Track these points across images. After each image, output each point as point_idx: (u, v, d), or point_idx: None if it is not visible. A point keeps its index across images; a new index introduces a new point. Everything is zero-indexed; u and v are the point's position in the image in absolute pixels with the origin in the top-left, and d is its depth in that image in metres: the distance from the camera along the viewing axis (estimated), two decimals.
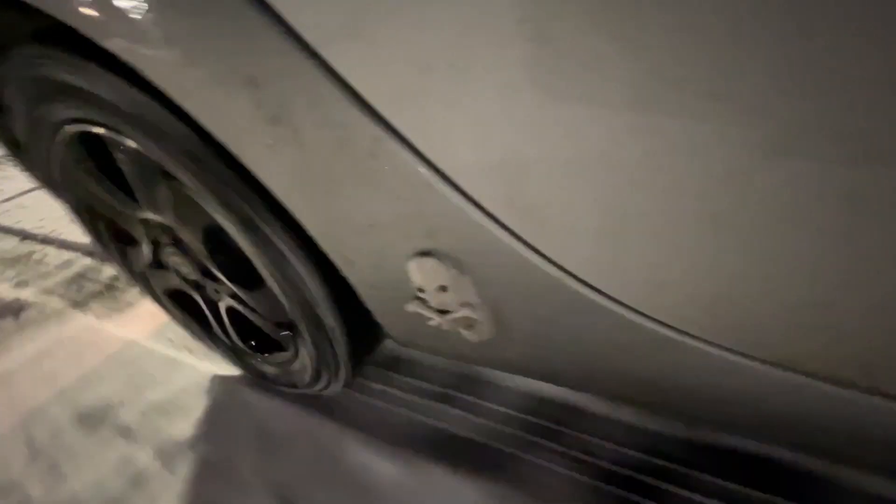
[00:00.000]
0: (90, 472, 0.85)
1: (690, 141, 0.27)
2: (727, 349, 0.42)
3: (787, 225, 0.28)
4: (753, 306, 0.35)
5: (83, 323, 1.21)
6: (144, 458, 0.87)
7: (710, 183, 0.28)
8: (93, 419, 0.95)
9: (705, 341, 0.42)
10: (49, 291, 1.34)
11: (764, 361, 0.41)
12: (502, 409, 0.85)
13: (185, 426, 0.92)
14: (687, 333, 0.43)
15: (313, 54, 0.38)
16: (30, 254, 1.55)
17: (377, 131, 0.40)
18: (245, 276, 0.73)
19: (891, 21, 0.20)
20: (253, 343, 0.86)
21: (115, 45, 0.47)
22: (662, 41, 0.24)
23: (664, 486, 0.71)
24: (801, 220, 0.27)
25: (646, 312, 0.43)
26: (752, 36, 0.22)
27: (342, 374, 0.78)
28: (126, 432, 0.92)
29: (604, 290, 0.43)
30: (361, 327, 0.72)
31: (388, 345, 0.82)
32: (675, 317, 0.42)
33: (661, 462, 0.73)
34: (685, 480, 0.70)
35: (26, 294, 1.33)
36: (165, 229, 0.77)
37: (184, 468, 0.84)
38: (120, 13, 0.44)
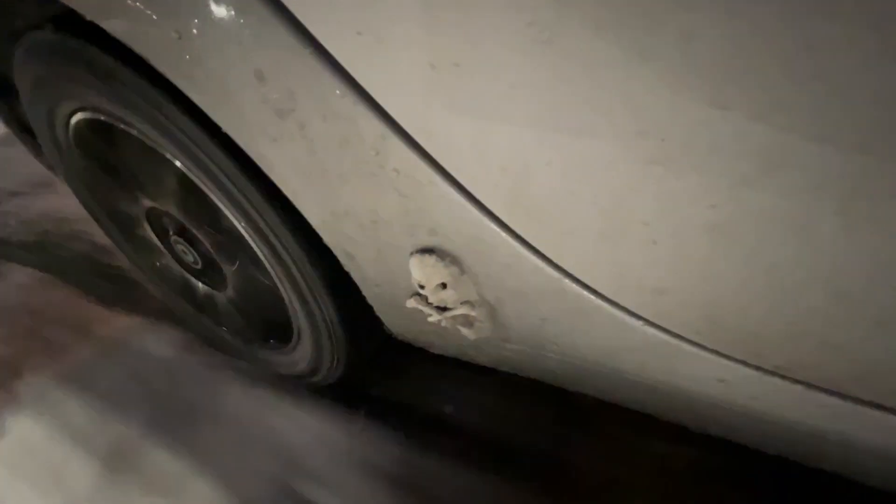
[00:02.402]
0: None
1: (690, 149, 0.27)
2: (725, 356, 0.42)
3: (784, 235, 0.28)
4: (751, 314, 0.35)
5: None
6: None
7: (708, 191, 0.28)
8: None
9: (702, 347, 0.43)
10: None
11: (760, 369, 0.41)
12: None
13: None
14: (684, 338, 0.43)
15: (320, 49, 0.38)
16: None
17: (382, 128, 0.41)
18: (247, 266, 0.73)
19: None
20: (253, 332, 0.87)
21: (124, 34, 0.47)
22: (665, 46, 0.24)
23: None
24: (797, 230, 0.27)
25: (643, 316, 0.43)
26: (751, 47, 0.22)
27: (341, 365, 0.79)
28: None
29: (602, 292, 0.43)
30: (362, 321, 0.72)
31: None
32: (672, 321, 0.42)
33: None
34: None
35: None
36: (170, 218, 0.77)
37: None
38: (127, 3, 0.44)
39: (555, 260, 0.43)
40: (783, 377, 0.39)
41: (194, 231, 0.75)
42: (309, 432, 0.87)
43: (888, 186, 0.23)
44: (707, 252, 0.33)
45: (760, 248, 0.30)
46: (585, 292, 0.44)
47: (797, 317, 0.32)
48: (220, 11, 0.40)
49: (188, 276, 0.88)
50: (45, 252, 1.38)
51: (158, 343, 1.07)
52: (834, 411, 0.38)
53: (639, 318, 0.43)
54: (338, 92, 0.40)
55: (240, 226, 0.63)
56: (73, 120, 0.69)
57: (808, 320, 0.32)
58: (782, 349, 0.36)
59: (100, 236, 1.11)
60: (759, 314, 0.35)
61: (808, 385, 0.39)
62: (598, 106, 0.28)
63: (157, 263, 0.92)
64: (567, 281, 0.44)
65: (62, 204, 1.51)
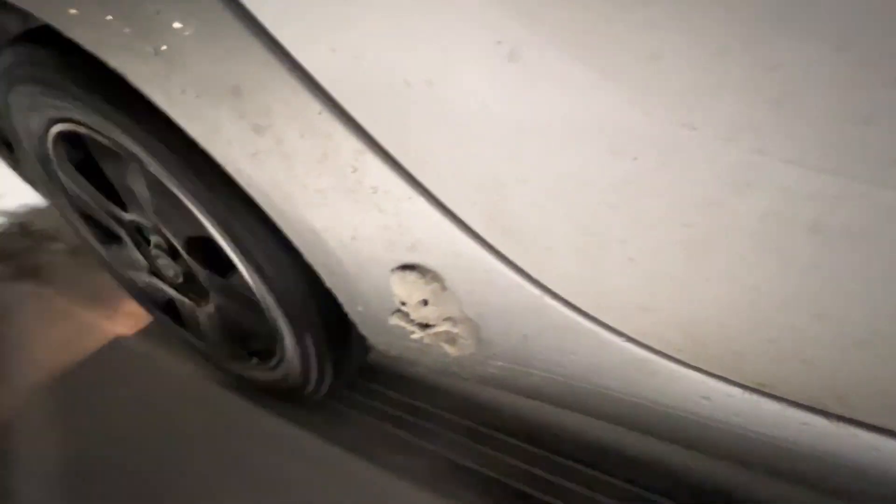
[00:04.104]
0: None
1: (662, 168, 0.27)
2: (707, 373, 0.42)
3: (759, 254, 0.28)
4: (730, 332, 0.35)
5: None
6: None
7: (682, 210, 0.28)
8: None
9: (685, 364, 0.42)
10: None
11: (743, 386, 0.40)
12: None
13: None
14: (666, 355, 0.42)
15: (295, 65, 0.38)
16: None
17: (359, 144, 0.40)
18: (229, 280, 0.72)
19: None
20: (235, 348, 0.85)
21: (100, 49, 0.47)
22: (633, 67, 0.24)
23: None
24: (771, 249, 0.27)
25: (625, 333, 0.43)
26: (718, 68, 0.22)
27: (326, 382, 0.78)
28: None
29: (583, 309, 0.43)
30: (346, 337, 0.71)
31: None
32: (653, 338, 0.42)
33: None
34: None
35: None
36: (151, 232, 0.76)
37: None
38: (103, 19, 0.44)
39: (535, 276, 0.43)
40: (765, 394, 0.39)
41: (175, 245, 0.73)
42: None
43: (858, 206, 0.23)
44: (684, 270, 0.32)
45: (736, 267, 0.29)
46: (566, 309, 0.43)
47: (776, 335, 0.32)
48: (193, 28, 0.40)
49: (170, 289, 0.86)
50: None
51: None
52: (816, 429, 0.38)
53: (620, 334, 0.43)
54: (314, 108, 0.39)
55: (221, 239, 0.62)
56: (52, 132, 0.68)
57: (787, 338, 0.32)
58: (763, 367, 0.36)
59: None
60: (738, 332, 0.34)
61: (790, 402, 0.38)
62: (570, 125, 0.28)
63: (138, 276, 0.90)
64: (548, 298, 0.43)
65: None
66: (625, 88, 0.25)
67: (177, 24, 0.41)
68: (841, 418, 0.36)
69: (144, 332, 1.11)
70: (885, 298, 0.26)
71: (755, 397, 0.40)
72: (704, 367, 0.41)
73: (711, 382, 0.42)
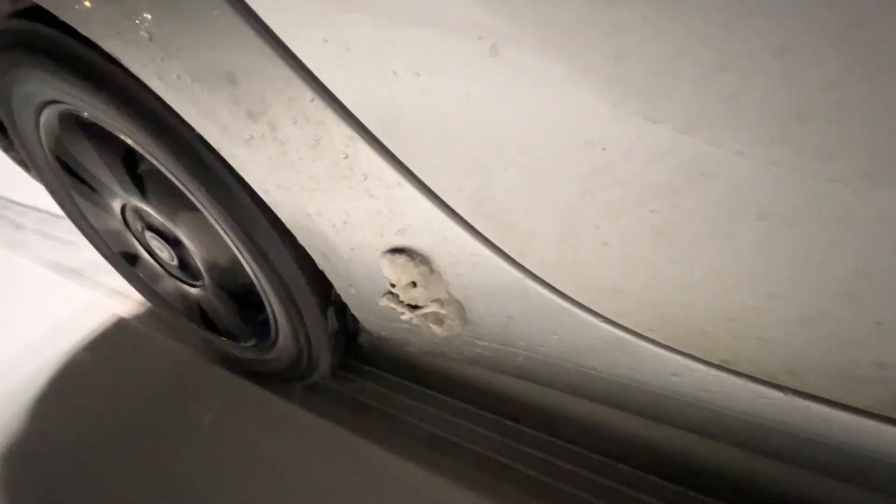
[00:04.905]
0: None
1: (629, 158, 0.29)
2: (676, 351, 0.45)
3: (716, 239, 0.30)
4: (696, 312, 0.38)
5: None
6: None
7: (648, 197, 0.30)
8: None
9: (656, 343, 0.45)
10: None
11: (708, 363, 0.43)
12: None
13: None
14: (640, 335, 0.45)
15: (289, 54, 0.39)
16: None
17: (351, 132, 0.42)
18: (224, 265, 0.74)
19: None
20: (229, 329, 0.87)
21: (95, 33, 0.48)
22: (601, 63, 0.26)
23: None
24: (726, 234, 0.29)
25: (602, 313, 0.45)
26: (675, 65, 0.24)
27: (321, 365, 0.80)
28: None
29: (563, 290, 0.45)
30: (342, 317, 0.73)
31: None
32: (628, 319, 0.44)
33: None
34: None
35: None
36: (146, 215, 0.77)
37: None
38: (98, 3, 0.44)
39: (518, 260, 0.45)
40: (728, 371, 0.42)
41: (168, 226, 0.75)
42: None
43: (797, 195, 0.25)
44: (653, 253, 0.35)
45: (698, 251, 0.32)
46: (547, 291, 0.46)
47: (734, 314, 0.35)
48: (189, 15, 0.41)
49: (165, 272, 0.87)
50: None
51: None
52: (773, 402, 0.41)
53: (597, 315, 0.46)
54: (307, 96, 0.41)
55: (216, 223, 0.63)
56: (44, 113, 0.69)
57: (744, 317, 0.35)
58: (724, 344, 0.39)
59: None
60: (701, 311, 0.37)
61: (750, 378, 0.41)
62: (547, 116, 0.30)
63: (134, 260, 0.91)
64: (529, 280, 0.46)
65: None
66: (594, 83, 0.27)
67: (171, 12, 0.42)
68: (794, 391, 0.39)
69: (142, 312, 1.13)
70: (824, 280, 0.28)
71: (720, 373, 0.43)
72: (674, 346, 0.44)
73: (680, 360, 0.45)
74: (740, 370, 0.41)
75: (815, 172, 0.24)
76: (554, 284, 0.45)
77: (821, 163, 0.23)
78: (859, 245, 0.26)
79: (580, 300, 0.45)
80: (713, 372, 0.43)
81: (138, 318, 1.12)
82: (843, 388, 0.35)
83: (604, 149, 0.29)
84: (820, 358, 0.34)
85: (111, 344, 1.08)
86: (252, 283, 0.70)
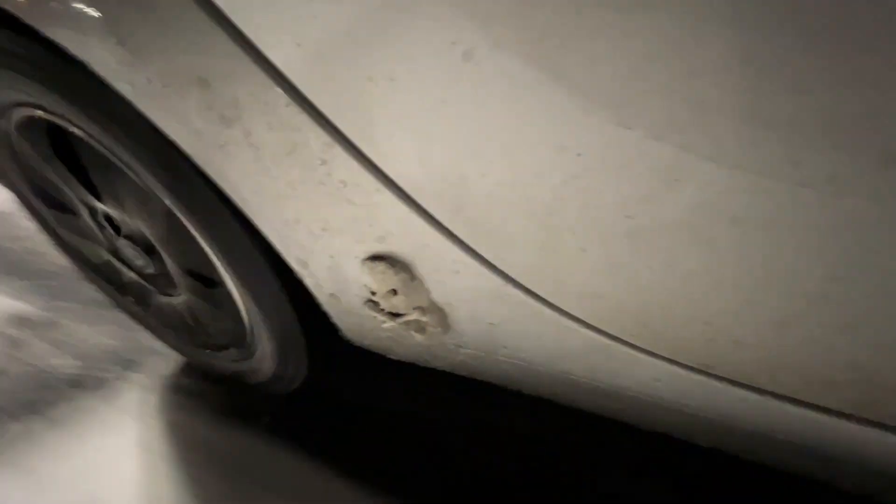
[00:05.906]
0: None
1: (604, 164, 0.29)
2: (657, 356, 0.45)
3: (690, 244, 0.30)
4: (674, 317, 0.38)
5: None
6: None
7: (624, 203, 0.30)
8: None
9: (637, 348, 0.45)
10: None
11: (688, 367, 0.43)
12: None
13: None
14: (621, 340, 0.45)
15: (262, 58, 0.38)
16: None
17: (327, 137, 0.41)
18: (200, 272, 0.72)
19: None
20: (206, 339, 0.85)
21: (62, 37, 0.46)
22: (574, 69, 0.26)
23: None
24: (700, 240, 0.29)
25: (583, 319, 0.45)
26: (646, 71, 0.24)
27: (299, 374, 0.78)
28: None
29: (544, 296, 0.45)
30: (319, 328, 0.72)
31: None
32: (609, 324, 0.44)
33: None
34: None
35: None
36: (121, 221, 0.75)
37: None
38: (66, 5, 0.43)
39: (498, 266, 0.45)
40: (707, 374, 0.42)
41: (143, 230, 0.72)
42: None
43: (766, 200, 0.26)
44: (630, 259, 0.35)
45: (673, 256, 0.32)
46: (528, 297, 0.46)
47: (710, 318, 0.35)
48: (158, 17, 0.40)
49: (139, 280, 0.85)
50: None
51: None
52: (752, 405, 0.41)
53: (578, 321, 0.45)
54: (282, 100, 0.40)
55: (193, 230, 0.62)
56: (14, 117, 0.66)
57: (720, 321, 0.35)
58: (703, 348, 0.39)
59: None
60: (680, 316, 0.37)
61: (730, 381, 0.42)
62: (522, 122, 0.30)
63: (95, 252, 0.88)
64: (511, 286, 0.45)
65: None
66: (568, 89, 0.26)
67: (140, 13, 0.41)
68: (773, 394, 0.39)
69: None
70: (794, 284, 0.29)
71: (700, 377, 0.43)
72: (654, 350, 0.44)
73: (662, 364, 0.45)
74: (720, 374, 0.41)
75: (784, 178, 0.24)
76: (535, 290, 0.45)
77: (789, 168, 0.24)
78: (829, 249, 0.26)
79: (561, 305, 0.45)
80: (694, 376, 0.43)
81: None
82: (819, 390, 0.36)
83: (578, 154, 0.29)
84: (795, 361, 0.34)
85: None
86: (229, 291, 0.68)
